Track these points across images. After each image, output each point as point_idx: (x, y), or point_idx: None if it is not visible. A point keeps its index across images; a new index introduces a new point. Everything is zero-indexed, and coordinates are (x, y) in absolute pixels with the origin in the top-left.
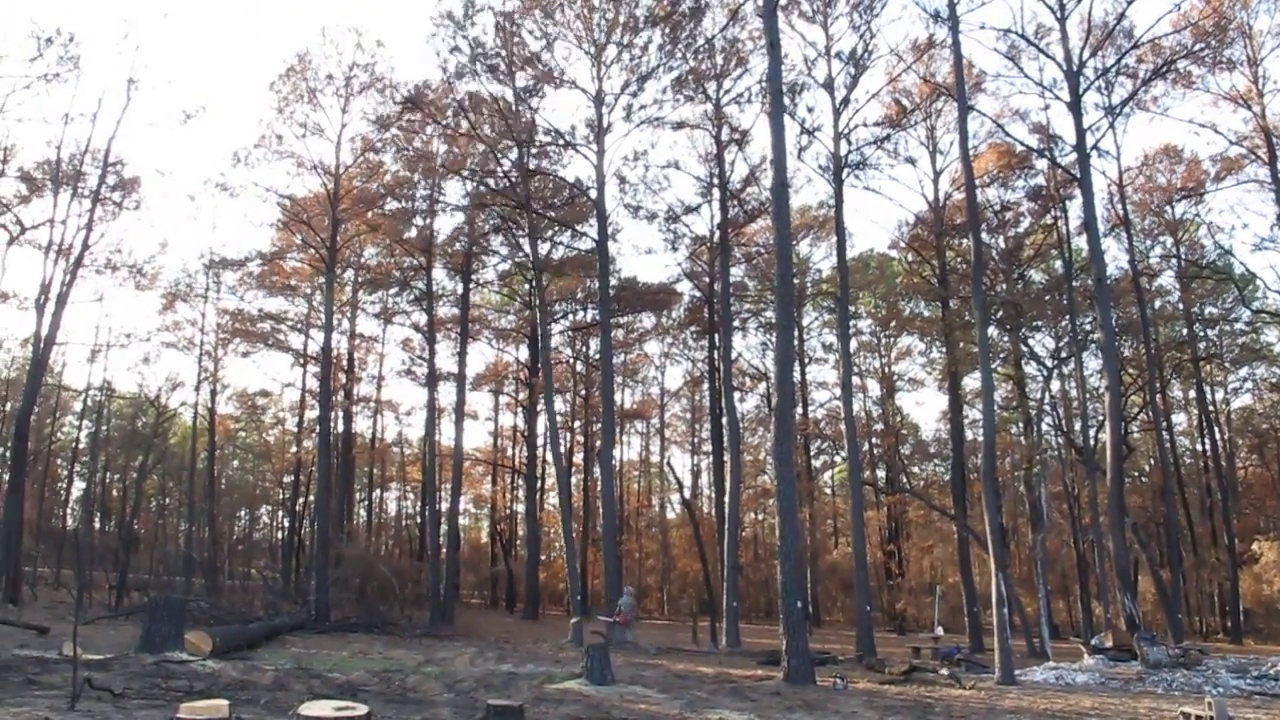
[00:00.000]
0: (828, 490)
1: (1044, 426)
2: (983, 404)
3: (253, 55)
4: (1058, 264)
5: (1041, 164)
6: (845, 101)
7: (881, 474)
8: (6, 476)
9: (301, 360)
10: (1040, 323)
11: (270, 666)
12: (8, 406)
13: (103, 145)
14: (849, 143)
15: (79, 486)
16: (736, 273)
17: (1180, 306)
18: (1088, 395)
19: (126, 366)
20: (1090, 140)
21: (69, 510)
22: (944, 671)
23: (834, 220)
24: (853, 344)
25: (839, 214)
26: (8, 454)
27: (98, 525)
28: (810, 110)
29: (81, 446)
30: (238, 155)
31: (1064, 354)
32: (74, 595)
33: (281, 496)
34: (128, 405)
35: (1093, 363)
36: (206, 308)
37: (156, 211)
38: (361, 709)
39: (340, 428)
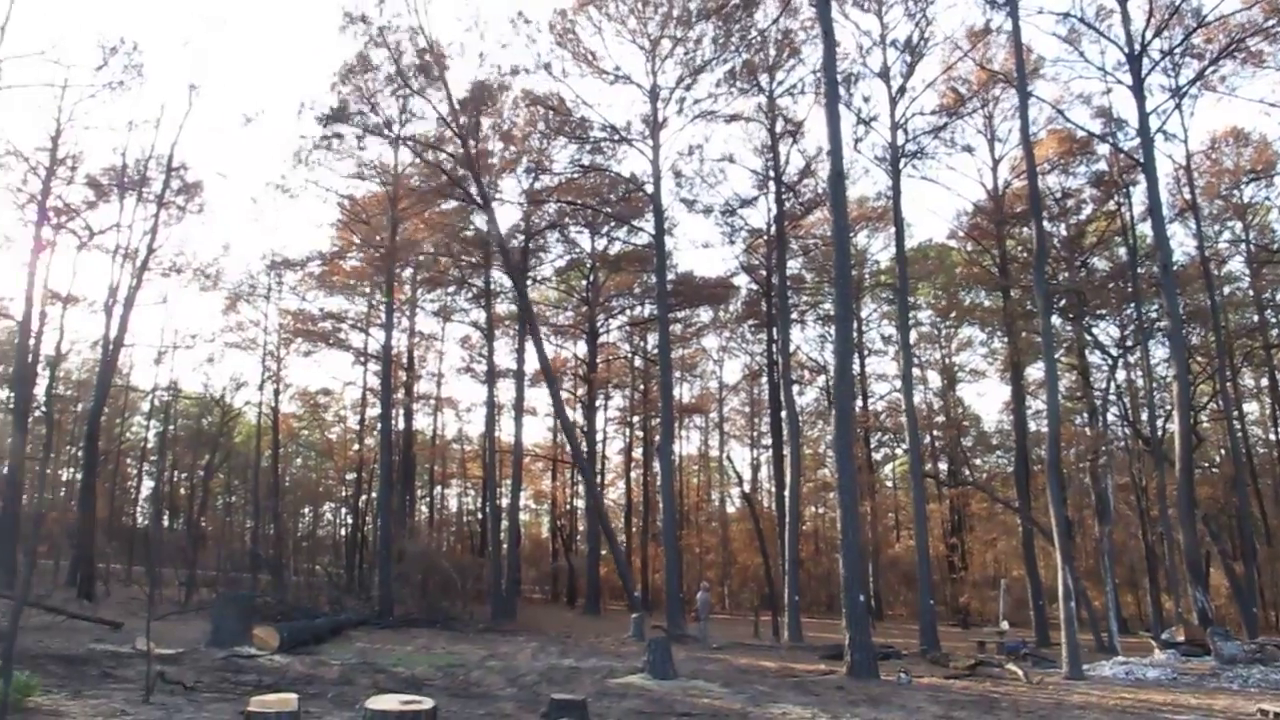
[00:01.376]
0: (888, 483)
1: (1110, 417)
2: (1047, 394)
3: (312, 56)
4: (1122, 251)
5: (1104, 149)
6: (901, 90)
7: (943, 466)
8: (79, 476)
9: (362, 359)
10: (1104, 311)
11: (336, 661)
12: (79, 407)
13: (166, 150)
14: (906, 132)
15: (148, 485)
16: (793, 265)
17: (1251, 292)
18: (1155, 384)
19: (192, 367)
20: (1155, 123)
21: (139, 508)
22: (1010, 666)
23: (892, 210)
24: (912, 335)
25: (897, 204)
26: (80, 454)
27: (166, 523)
28: (866, 100)
29: (150, 446)
30: (298, 156)
31: (1129, 342)
32: (146, 591)
33: (344, 493)
34: (193, 405)
35: (1159, 351)
36: (269, 308)
37: (219, 214)
38: (427, 703)
39: (401, 425)
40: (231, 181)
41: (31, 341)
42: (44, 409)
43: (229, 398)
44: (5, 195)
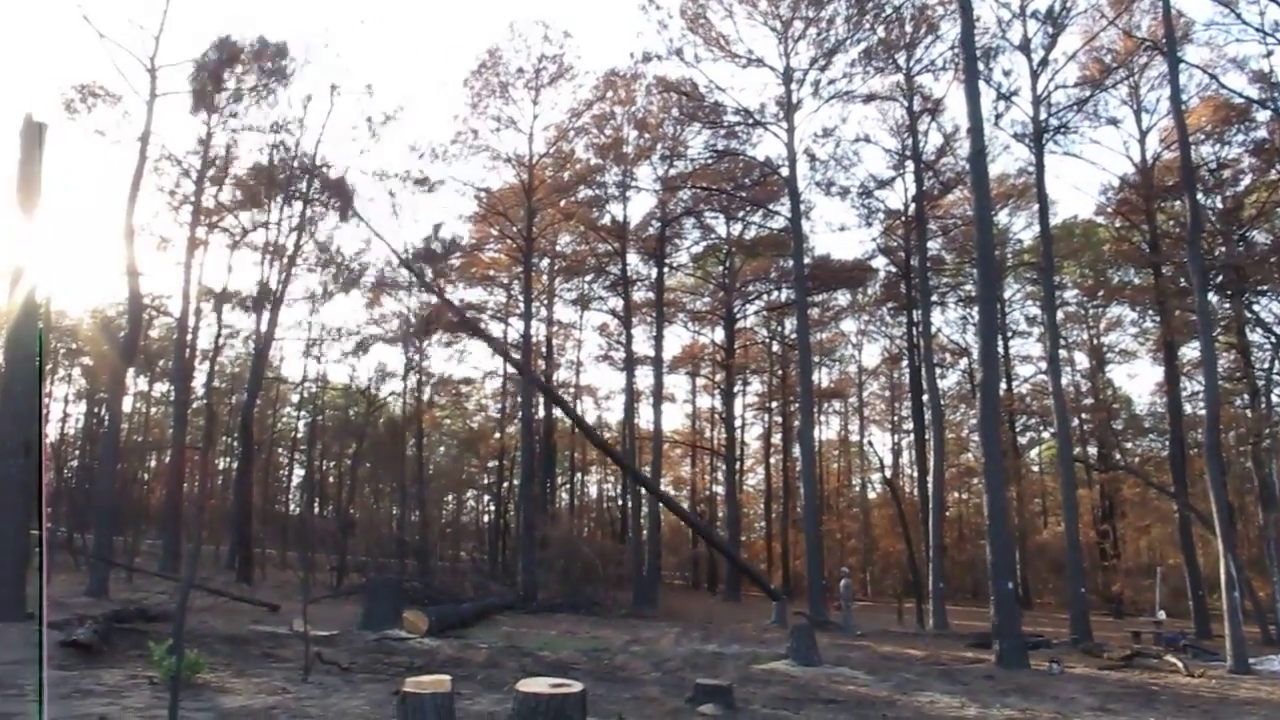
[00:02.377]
0: (1034, 468)
1: (1273, 398)
2: (1204, 375)
3: (446, 52)
4: None
5: (1263, 116)
6: (1043, 63)
7: (1092, 450)
8: (235, 465)
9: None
10: (1266, 287)
11: (483, 645)
12: (234, 399)
13: (310, 150)
14: (1048, 106)
15: (299, 474)
16: (933, 246)
17: None
18: None
19: (338, 359)
20: None
21: (290, 496)
22: (1169, 658)
23: (1034, 187)
24: (1058, 315)
25: (1040, 181)
26: (235, 444)
27: (317, 510)
28: (1006, 74)
29: (300, 436)
30: (435, 151)
31: None
32: (300, 576)
33: (486, 481)
34: (340, 396)
35: None
36: (410, 300)
37: (361, 210)
38: (576, 686)
39: (541, 413)
40: (372, 178)
41: (189, 337)
42: (203, 401)
43: (374, 388)
44: (161, 198)
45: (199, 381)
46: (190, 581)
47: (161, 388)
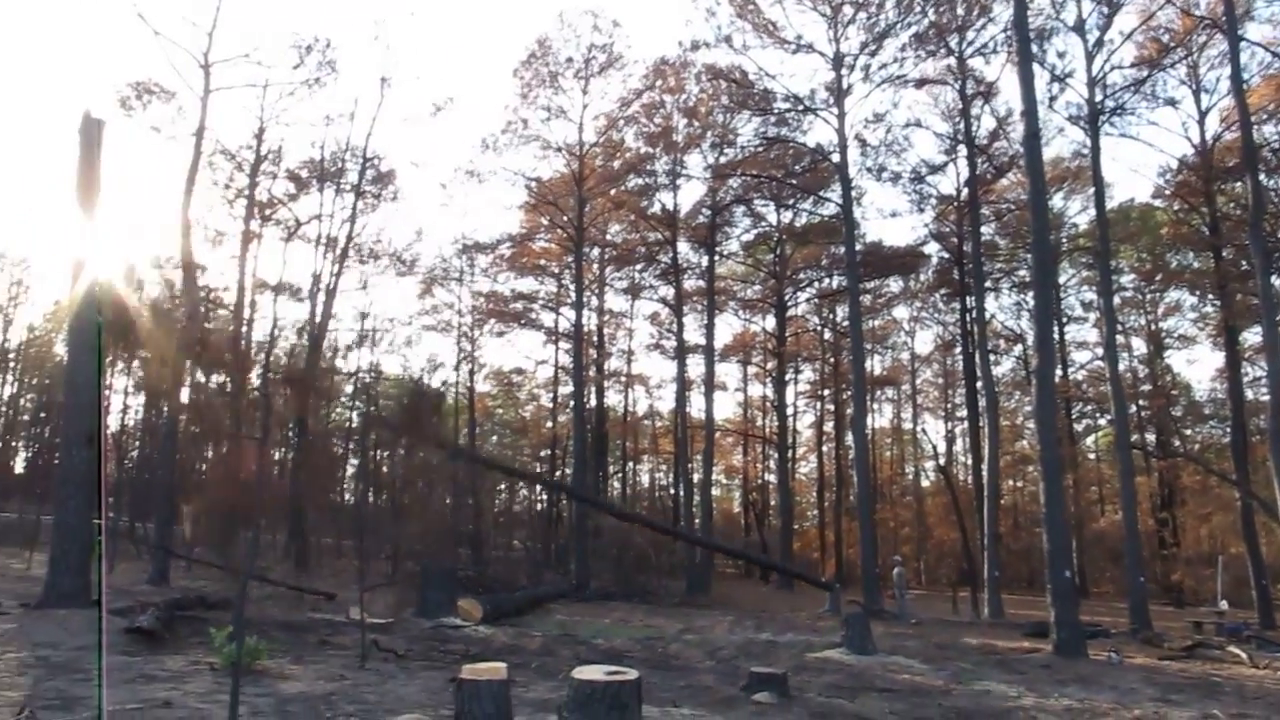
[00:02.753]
0: (1091, 455)
1: None
2: (1266, 360)
3: (495, 43)
4: None
5: None
6: (1098, 44)
7: (1151, 437)
8: (291, 455)
9: (553, 338)
10: None
11: (537, 633)
12: (288, 390)
13: (360, 142)
14: (1104, 88)
15: (352, 463)
16: (986, 231)
17: None
18: None
19: (390, 349)
20: None
21: (345, 486)
22: (1232, 649)
23: (1090, 171)
24: (1115, 300)
25: (1096, 164)
26: (291, 435)
27: (371, 499)
28: (1061, 56)
29: (353, 426)
30: (486, 142)
31: None
32: (355, 564)
33: (538, 470)
34: (393, 386)
35: None
36: (462, 290)
37: (412, 201)
38: (631, 673)
39: (593, 402)
40: (424, 170)
41: (244, 329)
42: (259, 392)
43: (427, 379)
44: (216, 192)
45: (255, 372)
46: (249, 570)
47: (218, 378)
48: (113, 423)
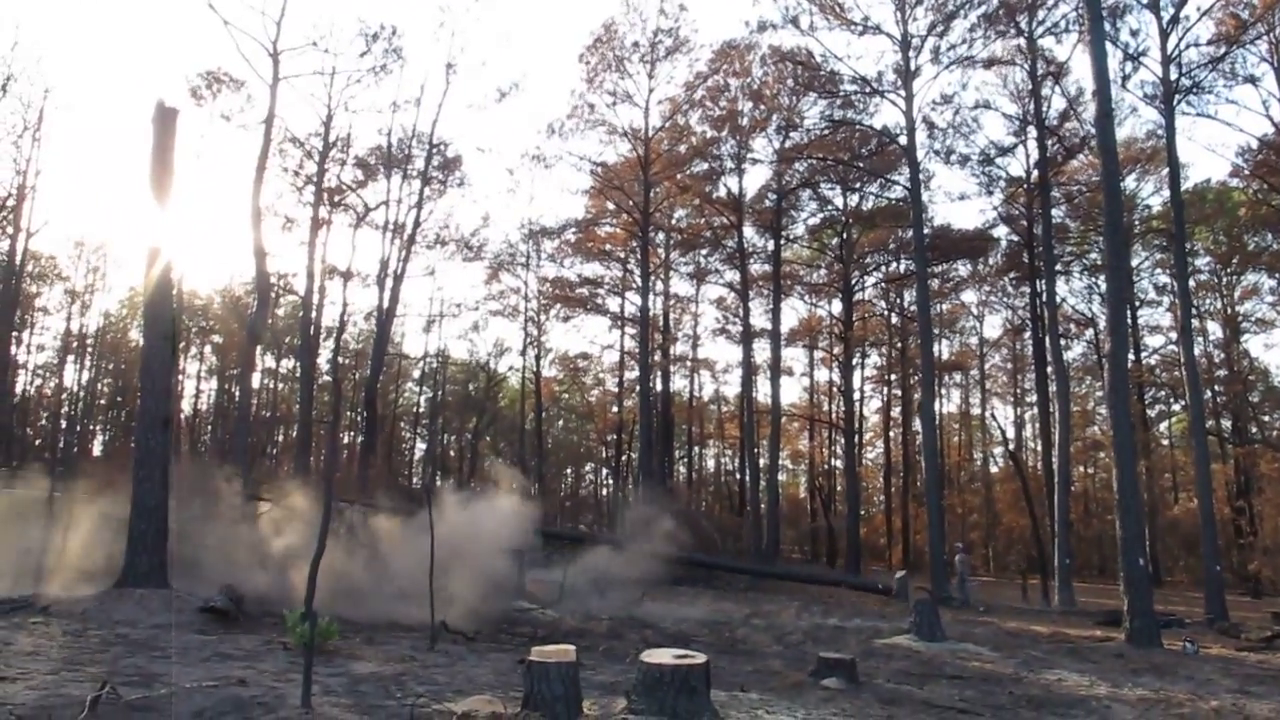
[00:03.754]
0: (1164, 441)
1: None
2: None
3: (561, 27)
4: None
5: None
6: (1174, 20)
7: (1227, 424)
8: (360, 439)
9: (619, 322)
10: None
11: (605, 616)
12: (358, 375)
13: (427, 129)
14: (1179, 65)
15: (420, 447)
16: (1057, 213)
17: None
18: None
19: (458, 335)
20: None
21: (414, 469)
22: None
23: (1164, 151)
24: (1190, 283)
25: (1171, 144)
26: (360, 419)
27: (439, 483)
28: (1134, 34)
29: (421, 410)
30: (551, 127)
31: None
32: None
33: (604, 455)
34: (460, 371)
35: None
36: (528, 276)
37: (478, 187)
38: (700, 657)
39: (659, 387)
40: (490, 155)
41: (314, 314)
42: (329, 376)
43: (493, 364)
44: (285, 179)
45: (324, 358)
46: (321, 552)
47: (288, 364)
48: (186, 407)
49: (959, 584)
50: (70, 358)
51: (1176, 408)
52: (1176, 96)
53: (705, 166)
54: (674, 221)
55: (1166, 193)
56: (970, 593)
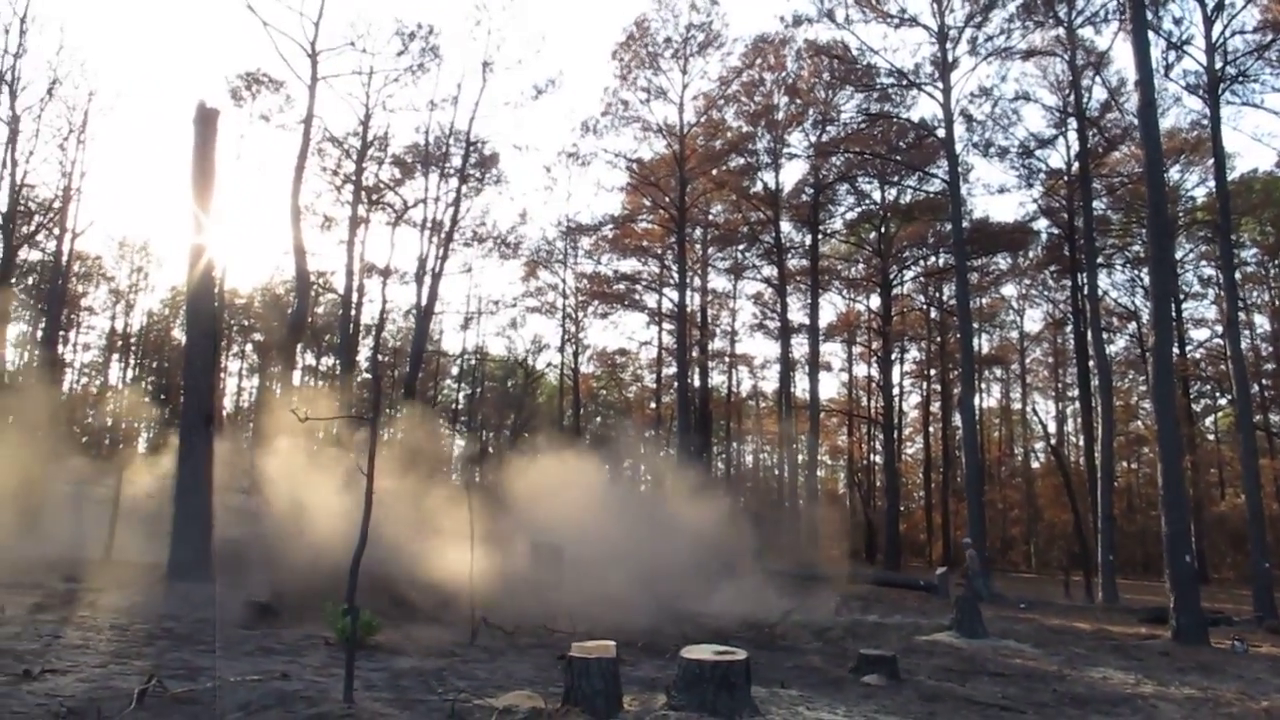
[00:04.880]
0: (1210, 436)
1: None
2: None
3: (593, 24)
4: None
5: None
6: (1218, 8)
7: (1275, 418)
8: (400, 435)
9: (657, 318)
10: None
11: (642, 612)
12: (396, 373)
13: (464, 126)
14: (1224, 54)
15: (459, 444)
16: (1098, 205)
17: None
18: None
19: (495, 331)
20: None
21: (453, 466)
22: None
23: (1209, 141)
24: (1236, 275)
25: (1216, 134)
26: (399, 415)
27: (478, 480)
28: (1177, 23)
29: (460, 407)
30: (586, 125)
31: None
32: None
33: (642, 450)
34: (498, 368)
35: None
36: (565, 273)
37: (515, 184)
38: (740, 653)
39: (696, 383)
40: (526, 153)
41: (353, 312)
42: (368, 374)
43: (531, 360)
44: (324, 178)
45: (363, 355)
46: (362, 547)
47: (328, 361)
48: (228, 404)
49: (970, 580)
50: (115, 356)
51: (1222, 401)
52: (1221, 85)
53: (741, 161)
54: (710, 217)
55: (1211, 183)
56: (984, 588)
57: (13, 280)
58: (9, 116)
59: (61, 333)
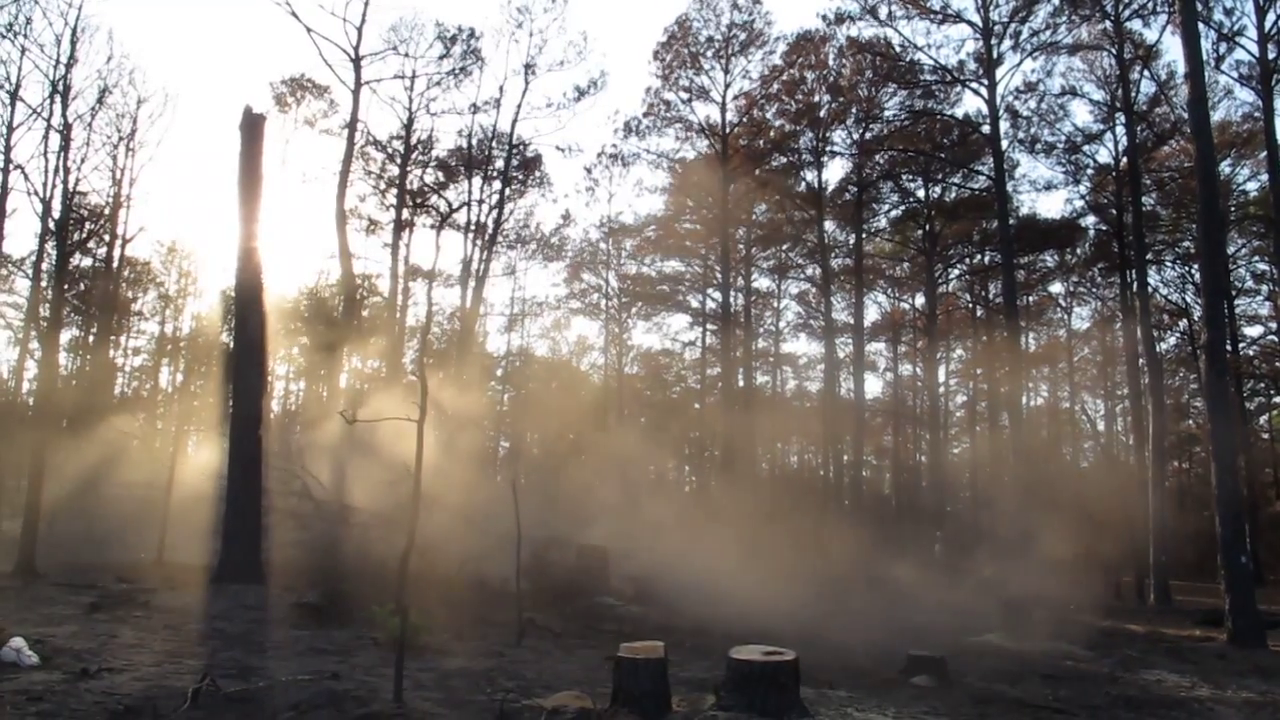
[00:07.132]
0: (1264, 435)
1: None
2: None
3: (634, 24)
4: None
5: None
6: None
7: None
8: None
9: (700, 319)
10: None
11: (689, 613)
12: (441, 375)
13: (506, 129)
14: (1277, 44)
15: (504, 446)
16: (1148, 201)
17: None
18: None
19: (539, 333)
20: None
21: (497, 468)
22: None
23: (1262, 134)
24: None
25: (1269, 126)
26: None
27: (524, 482)
28: (1228, 13)
29: (504, 409)
30: (629, 126)
31: None
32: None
33: (687, 451)
34: (543, 369)
35: None
36: (609, 274)
37: (558, 186)
38: (789, 653)
39: (741, 383)
40: (568, 155)
41: (398, 315)
42: (414, 376)
43: (576, 361)
44: (368, 182)
45: (409, 357)
46: (410, 547)
47: (374, 364)
48: (276, 406)
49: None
50: (164, 360)
51: (1277, 399)
52: (1275, 76)
53: (784, 160)
54: (754, 217)
55: (1265, 177)
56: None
57: (65, 286)
58: (61, 125)
59: (112, 337)
